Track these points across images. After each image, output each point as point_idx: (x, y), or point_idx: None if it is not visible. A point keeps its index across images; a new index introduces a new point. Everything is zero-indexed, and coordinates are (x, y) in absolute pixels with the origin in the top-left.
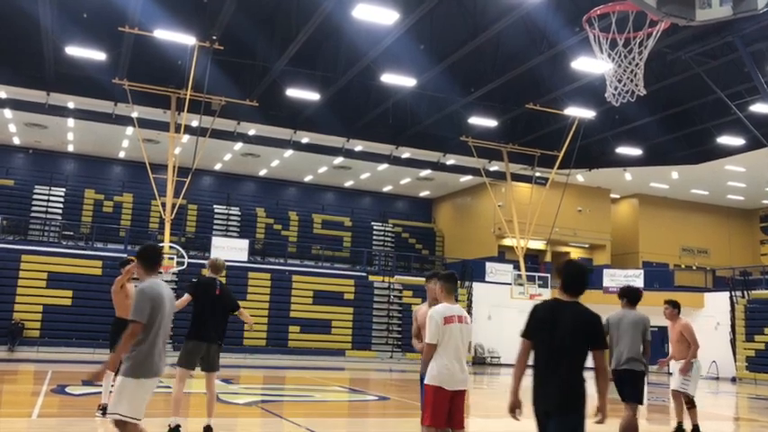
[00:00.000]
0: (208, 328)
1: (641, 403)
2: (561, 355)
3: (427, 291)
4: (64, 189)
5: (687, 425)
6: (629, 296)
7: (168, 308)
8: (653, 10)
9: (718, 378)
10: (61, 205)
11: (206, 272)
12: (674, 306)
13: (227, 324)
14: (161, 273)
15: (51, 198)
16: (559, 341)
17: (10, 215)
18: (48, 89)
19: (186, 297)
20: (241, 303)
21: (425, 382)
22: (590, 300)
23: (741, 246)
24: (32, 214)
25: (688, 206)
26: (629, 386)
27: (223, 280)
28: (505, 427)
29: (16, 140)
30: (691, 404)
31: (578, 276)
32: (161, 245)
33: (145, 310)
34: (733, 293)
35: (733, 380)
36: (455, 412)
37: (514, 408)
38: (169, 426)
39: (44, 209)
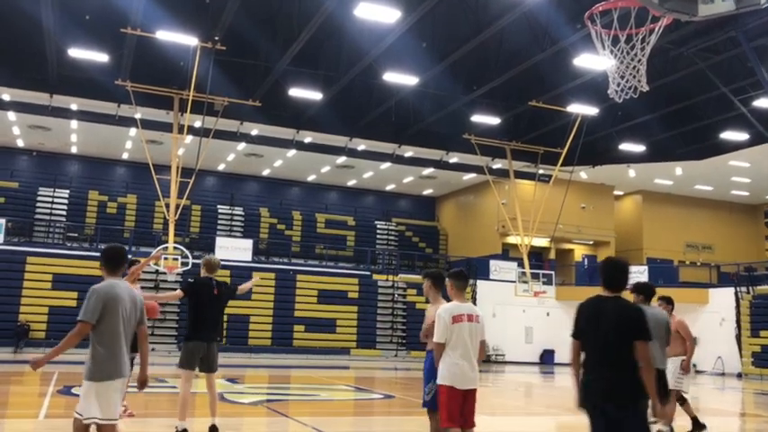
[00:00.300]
0: (206, 328)
1: (668, 400)
2: (608, 351)
3: (424, 289)
4: (68, 191)
5: (682, 422)
6: (645, 292)
7: (129, 309)
8: (655, 6)
9: (723, 374)
10: (65, 207)
11: (204, 271)
12: (668, 302)
13: (223, 320)
14: (165, 273)
15: (55, 200)
16: (604, 337)
17: (15, 217)
18: (51, 91)
19: (178, 293)
20: (245, 303)
21: (437, 382)
22: None
23: (746, 241)
24: (37, 216)
25: (692, 202)
26: (658, 384)
27: (227, 280)
28: (510, 426)
29: (20, 143)
30: (681, 400)
31: (618, 271)
32: (165, 246)
33: (95, 311)
34: (738, 289)
35: (738, 375)
36: (466, 412)
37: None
38: (176, 429)
39: (48, 210)
